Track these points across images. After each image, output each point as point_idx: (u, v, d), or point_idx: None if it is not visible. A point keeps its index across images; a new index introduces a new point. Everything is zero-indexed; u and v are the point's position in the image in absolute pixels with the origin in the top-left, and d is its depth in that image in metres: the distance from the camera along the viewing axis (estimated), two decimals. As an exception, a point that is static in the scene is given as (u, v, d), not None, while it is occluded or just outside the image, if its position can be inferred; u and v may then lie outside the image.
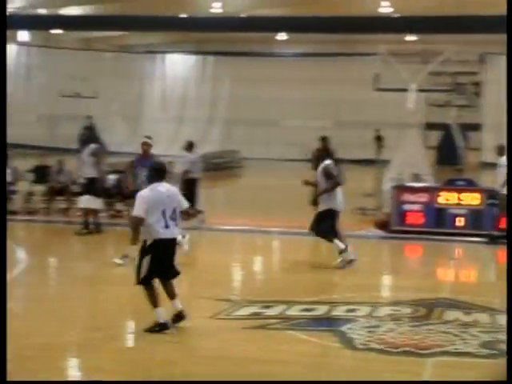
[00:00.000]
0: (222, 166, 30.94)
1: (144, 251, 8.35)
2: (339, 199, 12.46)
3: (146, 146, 13.65)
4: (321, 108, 37.63)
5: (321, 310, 9.45)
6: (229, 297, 10.11)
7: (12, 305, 9.91)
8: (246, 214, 17.63)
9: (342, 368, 7.57)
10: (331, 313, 9.37)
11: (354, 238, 13.86)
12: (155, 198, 8.27)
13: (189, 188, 16.98)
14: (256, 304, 9.72)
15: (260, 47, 42.73)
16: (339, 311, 9.42)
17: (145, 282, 8.33)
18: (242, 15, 36.00)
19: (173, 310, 8.50)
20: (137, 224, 8.32)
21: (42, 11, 41.59)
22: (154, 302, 8.34)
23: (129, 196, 17.18)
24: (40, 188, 17.63)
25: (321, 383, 7.16)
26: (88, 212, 15.08)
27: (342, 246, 12.19)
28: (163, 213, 8.24)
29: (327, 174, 12.34)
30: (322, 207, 12.42)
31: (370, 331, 8.51)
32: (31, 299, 10.27)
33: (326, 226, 12.27)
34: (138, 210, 8.28)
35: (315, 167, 12.61)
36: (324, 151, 13.53)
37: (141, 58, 41.87)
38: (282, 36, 41.11)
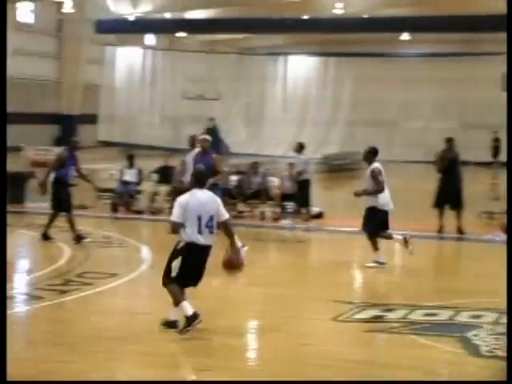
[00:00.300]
0: (343, 168, 30.77)
1: (175, 253, 8.43)
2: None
3: (206, 142, 13.64)
4: (445, 109, 36.90)
5: (444, 315, 9.26)
6: (349, 299, 10.04)
7: (138, 302, 10.17)
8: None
9: (466, 375, 7.37)
10: (455, 318, 9.16)
11: (481, 243, 13.50)
12: (193, 204, 8.29)
13: (302, 189, 17.06)
14: (377, 307, 9.61)
15: (382, 48, 42.33)
16: (463, 317, 9.20)
17: (174, 281, 8.37)
18: (365, 16, 35.76)
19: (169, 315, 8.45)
20: (174, 229, 8.38)
21: (167, 15, 42.54)
22: (177, 299, 8.35)
23: (250, 196, 17.41)
24: (164, 188, 18.00)
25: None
26: None
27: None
28: (199, 219, 8.27)
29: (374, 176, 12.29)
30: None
31: (496, 338, 8.27)
32: (157, 296, 10.50)
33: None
34: (174, 215, 8.36)
35: (440, 169, 12.37)
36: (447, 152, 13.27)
37: (263, 60, 42.14)
38: (404, 36, 40.58)
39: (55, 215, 13.89)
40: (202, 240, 8.30)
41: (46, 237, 13.69)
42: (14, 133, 37.44)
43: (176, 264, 8.37)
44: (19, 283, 11.17)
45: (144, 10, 40.38)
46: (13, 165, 21.88)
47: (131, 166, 18.44)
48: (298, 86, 39.93)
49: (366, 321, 9.05)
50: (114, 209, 17.83)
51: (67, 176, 13.87)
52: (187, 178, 14.80)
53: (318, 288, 10.88)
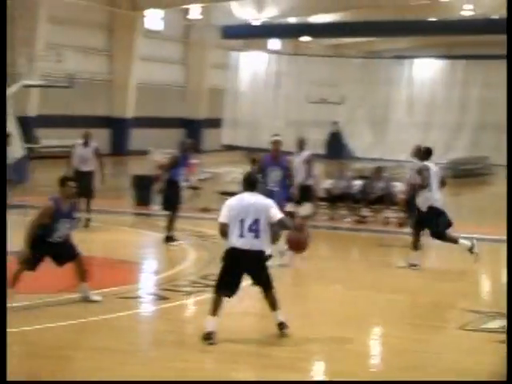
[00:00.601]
0: (471, 173, 30.05)
1: (222, 257, 8.36)
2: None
3: (278, 144, 13.10)
4: None
5: None
6: (476, 308, 9.78)
7: (261, 305, 10.23)
8: (493, 223, 16.99)
9: None
10: None
11: None
12: (237, 206, 8.13)
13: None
14: (505, 317, 9.31)
15: (513, 49, 41.12)
16: None
17: (216, 289, 8.26)
18: (494, 17, 34.84)
19: (275, 321, 8.35)
20: (221, 230, 8.24)
21: (292, 20, 42.73)
22: (211, 309, 8.20)
23: (374, 201, 17.22)
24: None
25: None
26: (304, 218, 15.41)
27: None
28: (241, 222, 8.06)
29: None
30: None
31: None
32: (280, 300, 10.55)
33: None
34: (221, 216, 8.23)
35: None
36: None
37: (388, 63, 41.72)
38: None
39: (171, 216, 14.08)
40: (240, 244, 8.06)
41: (169, 239, 13.93)
42: (141, 137, 38.60)
43: (220, 269, 8.31)
44: (145, 284, 11.45)
45: (269, 14, 40.72)
46: (140, 168, 22.48)
47: (255, 169, 18.58)
48: (424, 90, 39.28)
49: (495, 331, 8.80)
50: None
51: (178, 177, 14.14)
52: (295, 180, 14.81)
53: (442, 295, 10.66)
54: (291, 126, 39.84)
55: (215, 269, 11.70)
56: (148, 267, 12.88)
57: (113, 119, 40.54)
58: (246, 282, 8.45)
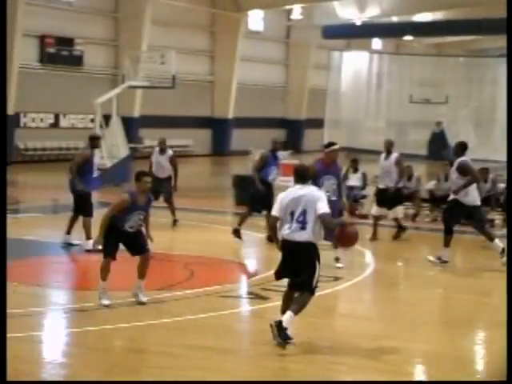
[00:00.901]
0: None
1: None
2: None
3: (336, 154, 12.32)
4: None
5: None
6: None
7: (360, 307, 10.16)
8: None
9: None
10: None
11: None
12: (287, 198, 8.10)
13: None
14: None
15: None
16: None
17: (276, 277, 8.38)
18: None
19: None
20: (271, 223, 8.38)
21: (395, 19, 42.27)
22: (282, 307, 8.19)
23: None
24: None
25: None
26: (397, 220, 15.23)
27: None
28: (291, 214, 8.02)
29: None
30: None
31: None
32: (380, 302, 10.46)
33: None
34: (273, 209, 8.30)
35: None
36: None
37: (494, 62, 40.74)
38: None
39: (267, 216, 13.92)
40: (290, 236, 8.01)
41: (237, 232, 14.15)
42: (242, 137, 38.91)
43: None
44: (245, 283, 11.53)
45: (371, 14, 40.42)
46: (241, 168, 22.63)
47: (355, 170, 18.51)
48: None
49: None
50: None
51: (268, 176, 14.14)
52: (387, 182, 14.58)
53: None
54: (393, 126, 39.44)
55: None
56: (248, 267, 12.96)
57: (214, 120, 41.01)
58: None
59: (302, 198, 8.02)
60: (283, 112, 45.72)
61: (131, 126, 32.24)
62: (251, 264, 13.25)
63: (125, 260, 12.31)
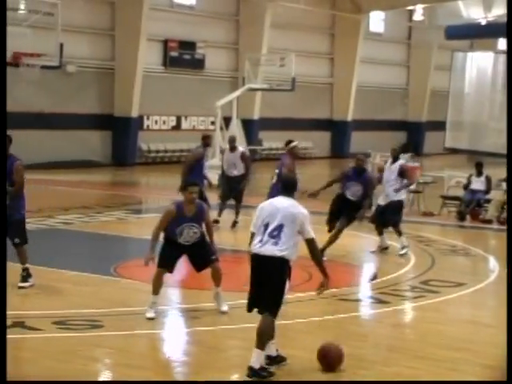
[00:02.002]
0: None
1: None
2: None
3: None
4: None
5: None
6: None
7: (483, 313, 9.90)
8: None
9: None
10: None
11: None
12: (264, 209, 7.27)
13: None
14: None
15: None
16: None
17: (247, 309, 7.38)
18: None
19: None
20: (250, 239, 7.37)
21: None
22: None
23: None
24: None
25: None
26: None
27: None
28: (265, 226, 7.18)
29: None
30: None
31: None
32: (500, 308, 10.16)
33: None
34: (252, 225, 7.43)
35: None
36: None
37: None
38: None
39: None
40: (261, 250, 7.12)
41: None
42: (361, 139, 38.65)
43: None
44: (365, 287, 11.43)
45: (497, 13, 39.38)
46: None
47: (479, 173, 18.04)
48: None
49: None
50: (461, 217, 17.56)
51: (345, 189, 12.93)
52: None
53: None
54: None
55: (436, 275, 11.56)
56: (367, 270, 12.85)
57: (333, 122, 40.90)
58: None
59: (280, 211, 7.19)
60: (403, 114, 45.14)
61: (251, 128, 32.53)
62: (370, 268, 13.11)
63: (233, 260, 12.42)
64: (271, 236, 7.12)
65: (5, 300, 7.40)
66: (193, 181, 9.70)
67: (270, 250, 7.10)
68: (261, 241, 7.15)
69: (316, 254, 7.42)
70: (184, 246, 8.92)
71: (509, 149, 14.27)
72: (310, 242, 7.29)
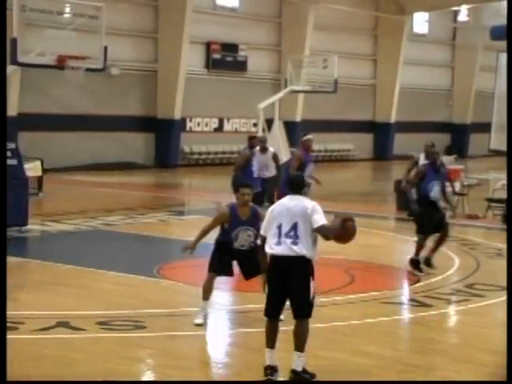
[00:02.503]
0: None
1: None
2: None
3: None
4: None
5: None
6: None
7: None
8: None
9: None
10: None
11: None
12: (275, 211, 7.09)
13: None
14: None
15: None
16: None
17: (266, 315, 7.09)
18: None
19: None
20: (262, 244, 7.17)
21: None
22: (266, 340, 7.05)
23: None
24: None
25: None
26: None
27: None
28: (278, 228, 6.98)
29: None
30: None
31: None
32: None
33: None
34: (261, 228, 7.25)
35: None
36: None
37: None
38: None
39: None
40: (279, 251, 6.93)
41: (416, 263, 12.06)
42: (404, 141, 38.39)
43: (267, 288, 7.09)
44: (407, 290, 11.34)
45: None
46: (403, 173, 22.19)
47: (525, 176, 17.79)
48: None
49: None
50: (506, 220, 17.33)
51: (429, 192, 11.81)
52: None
53: None
54: None
55: (481, 278, 11.44)
56: (410, 273, 12.74)
57: (376, 124, 40.71)
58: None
59: (291, 209, 7.01)
60: (448, 116, 44.77)
61: (293, 130, 32.49)
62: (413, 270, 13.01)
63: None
64: (288, 236, 6.93)
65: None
66: (245, 181, 9.47)
67: (290, 249, 6.91)
68: (278, 242, 6.95)
69: (328, 238, 7.09)
70: (237, 252, 8.66)
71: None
72: (318, 231, 6.95)
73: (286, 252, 6.91)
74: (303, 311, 6.97)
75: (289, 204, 7.06)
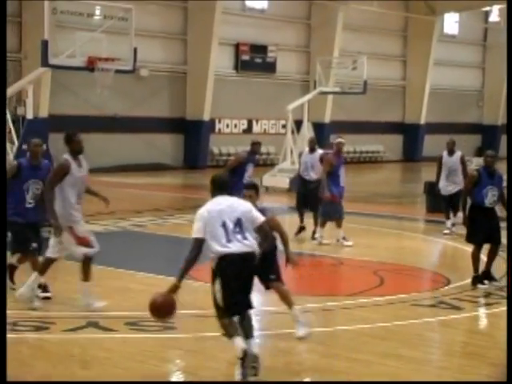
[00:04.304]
0: None
1: (212, 277, 7.10)
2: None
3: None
4: None
5: None
6: None
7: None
8: None
9: None
10: None
11: None
12: (213, 211, 7.03)
13: None
14: None
15: None
16: None
17: (224, 313, 7.04)
18: None
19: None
20: (194, 248, 7.05)
21: None
22: (229, 332, 7.04)
23: None
24: None
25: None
26: None
27: None
28: (223, 226, 6.94)
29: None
30: None
31: None
32: None
33: None
34: (193, 230, 7.08)
35: None
36: None
37: None
38: None
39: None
40: (233, 248, 6.88)
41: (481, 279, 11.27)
42: (434, 143, 38.15)
43: (217, 289, 7.00)
44: (437, 292, 11.26)
45: None
46: (433, 175, 22.14)
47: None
48: None
49: None
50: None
51: (483, 199, 10.99)
52: None
53: None
54: None
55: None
56: (440, 275, 12.67)
57: (405, 125, 40.55)
58: None
59: (230, 207, 7.04)
60: (478, 117, 44.46)
61: (322, 132, 32.44)
62: (443, 273, 12.93)
63: (313, 264, 12.40)
64: (236, 232, 7.00)
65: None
66: (250, 183, 9.17)
67: (244, 246, 6.94)
68: (228, 241, 6.94)
69: (270, 233, 7.58)
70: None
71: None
72: (264, 224, 7.22)
73: (242, 249, 6.95)
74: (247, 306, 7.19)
75: (224, 202, 7.10)
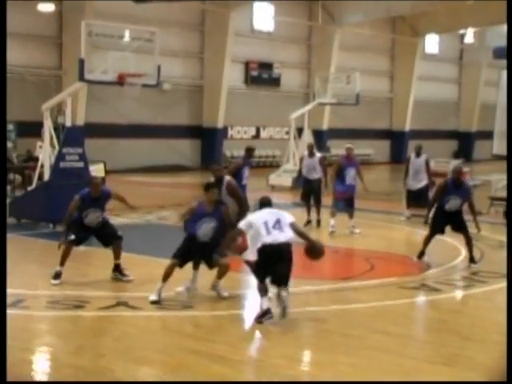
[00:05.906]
0: None
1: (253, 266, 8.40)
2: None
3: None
4: None
5: None
6: None
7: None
8: None
9: None
10: None
11: None
12: (257, 216, 8.24)
13: None
14: None
15: None
16: None
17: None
18: None
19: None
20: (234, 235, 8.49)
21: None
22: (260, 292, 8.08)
23: None
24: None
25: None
26: None
27: None
28: (265, 224, 8.07)
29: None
30: None
31: None
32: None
33: None
34: (240, 225, 8.41)
35: None
36: None
37: None
38: None
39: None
40: (270, 239, 7.93)
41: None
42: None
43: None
44: (420, 276, 11.22)
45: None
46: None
47: (523, 177, 17.53)
48: None
49: None
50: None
51: (443, 203, 11.23)
52: None
53: None
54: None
55: (485, 267, 11.31)
56: (423, 262, 12.62)
57: (393, 132, 40.50)
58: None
59: (270, 213, 8.30)
60: (455, 125, 44.36)
61: (320, 137, 32.41)
62: (425, 259, 12.89)
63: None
64: (274, 228, 8.04)
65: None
66: (212, 182, 9.41)
67: (281, 236, 8.02)
68: (268, 233, 7.99)
69: (303, 232, 8.51)
70: (200, 244, 8.92)
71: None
72: (293, 225, 8.29)
73: (279, 239, 8.04)
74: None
75: (265, 211, 8.33)
